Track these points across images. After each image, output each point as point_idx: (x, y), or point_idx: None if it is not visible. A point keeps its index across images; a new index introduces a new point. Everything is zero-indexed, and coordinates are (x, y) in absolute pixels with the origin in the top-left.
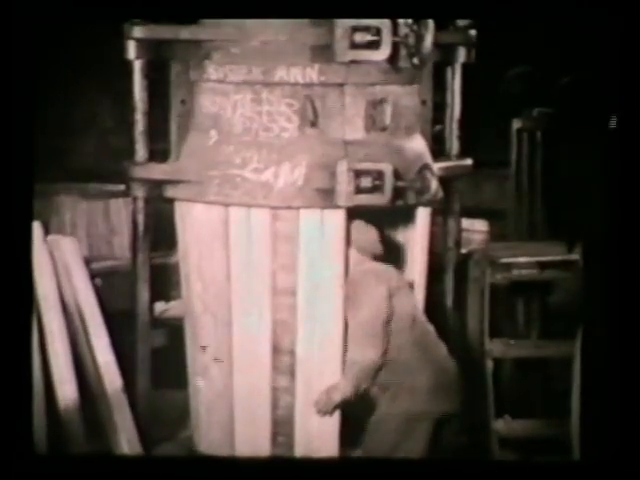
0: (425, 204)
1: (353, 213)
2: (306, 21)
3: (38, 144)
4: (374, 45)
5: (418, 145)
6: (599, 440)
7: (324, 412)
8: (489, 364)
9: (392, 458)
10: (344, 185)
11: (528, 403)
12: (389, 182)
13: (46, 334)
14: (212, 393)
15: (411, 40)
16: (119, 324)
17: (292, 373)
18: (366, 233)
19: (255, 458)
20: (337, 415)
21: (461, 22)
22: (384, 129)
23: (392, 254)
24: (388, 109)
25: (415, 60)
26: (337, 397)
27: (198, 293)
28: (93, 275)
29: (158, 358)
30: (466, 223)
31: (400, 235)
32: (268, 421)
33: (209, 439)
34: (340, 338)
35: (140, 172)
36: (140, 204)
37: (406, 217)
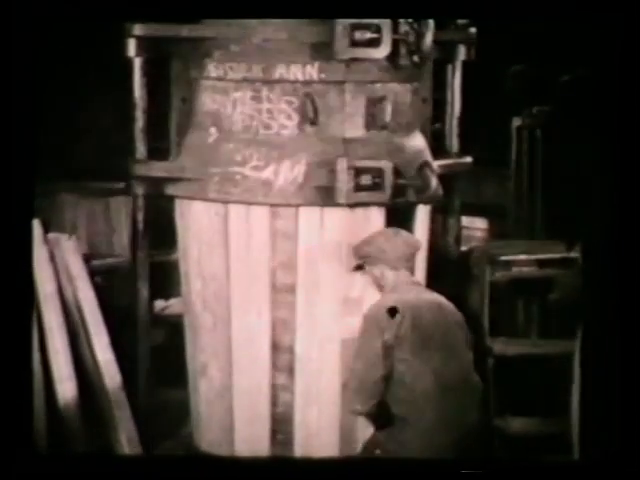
0: (425, 202)
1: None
2: (306, 19)
3: (38, 142)
4: (374, 43)
5: (418, 143)
6: (599, 439)
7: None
8: (489, 362)
9: (392, 458)
10: (344, 183)
11: (528, 401)
12: (389, 180)
13: (46, 332)
14: (212, 391)
15: (411, 38)
16: (119, 322)
17: (291, 371)
18: (397, 244)
19: (255, 458)
20: (337, 413)
21: (461, 20)
22: (384, 127)
23: None
24: (388, 107)
25: (415, 58)
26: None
27: (197, 291)
28: (93, 273)
29: (158, 356)
30: (466, 221)
31: None
32: (267, 418)
33: (209, 436)
34: (339, 336)
35: (140, 170)
36: (140, 202)
37: (406, 215)
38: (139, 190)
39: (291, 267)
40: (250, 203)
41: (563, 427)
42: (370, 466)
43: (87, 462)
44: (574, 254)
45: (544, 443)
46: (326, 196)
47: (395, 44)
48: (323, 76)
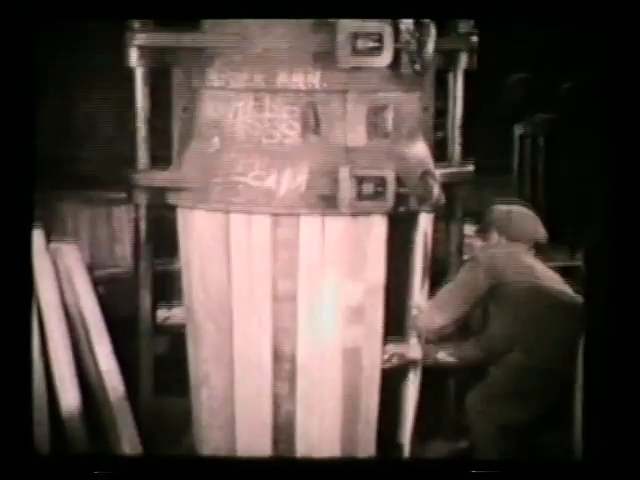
0: (427, 210)
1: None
2: (308, 27)
3: (39, 151)
4: (376, 51)
5: (420, 151)
6: (601, 439)
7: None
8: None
9: (392, 458)
10: (346, 191)
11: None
12: (391, 188)
13: (48, 341)
14: (213, 400)
15: (413, 46)
16: (121, 331)
17: (293, 379)
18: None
19: (255, 458)
20: (338, 422)
21: (462, 28)
22: (386, 135)
23: (394, 260)
24: (390, 115)
25: (417, 66)
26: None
27: (200, 300)
28: (95, 282)
29: (160, 365)
30: (468, 229)
31: (402, 241)
32: (269, 428)
33: (211, 446)
34: (340, 345)
35: (142, 179)
36: (142, 211)
37: (408, 223)
38: (141, 199)
39: (292, 276)
40: (252, 212)
41: (565, 427)
42: (370, 467)
43: (87, 463)
44: (576, 262)
45: (545, 443)
46: (328, 205)
47: (397, 53)
48: (325, 85)
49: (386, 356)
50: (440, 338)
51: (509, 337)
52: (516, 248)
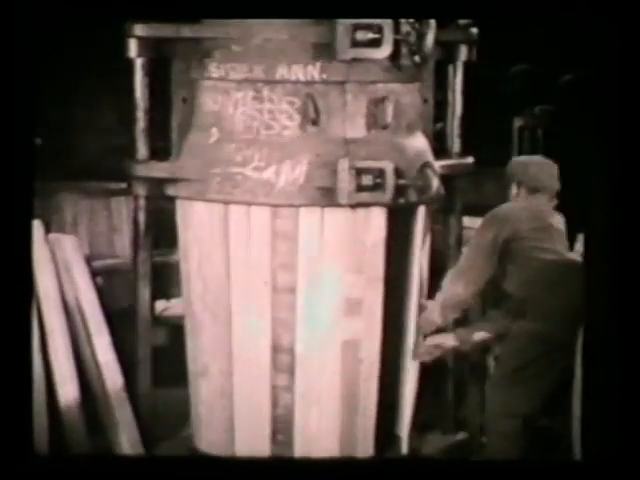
0: (426, 202)
1: None
2: (307, 19)
3: (39, 142)
4: (375, 43)
5: (419, 143)
6: (600, 439)
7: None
8: (490, 360)
9: (391, 458)
10: (345, 183)
11: None
12: (390, 180)
13: (47, 333)
14: (212, 392)
15: (412, 38)
16: (120, 323)
17: (292, 372)
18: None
19: (255, 458)
20: (337, 414)
21: (462, 20)
22: (385, 127)
23: (393, 252)
24: (389, 107)
25: (416, 58)
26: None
27: (198, 292)
28: (94, 273)
29: (159, 357)
30: (467, 221)
31: (401, 233)
32: (268, 419)
33: (209, 437)
34: (339, 337)
35: (141, 170)
36: (141, 202)
37: (407, 215)
38: (140, 190)
39: (291, 268)
40: (251, 204)
41: (564, 426)
42: (370, 466)
43: (87, 462)
44: (576, 252)
45: (544, 443)
46: (327, 196)
47: (396, 44)
48: (324, 76)
49: (423, 350)
50: (457, 320)
51: (523, 298)
52: (537, 200)
